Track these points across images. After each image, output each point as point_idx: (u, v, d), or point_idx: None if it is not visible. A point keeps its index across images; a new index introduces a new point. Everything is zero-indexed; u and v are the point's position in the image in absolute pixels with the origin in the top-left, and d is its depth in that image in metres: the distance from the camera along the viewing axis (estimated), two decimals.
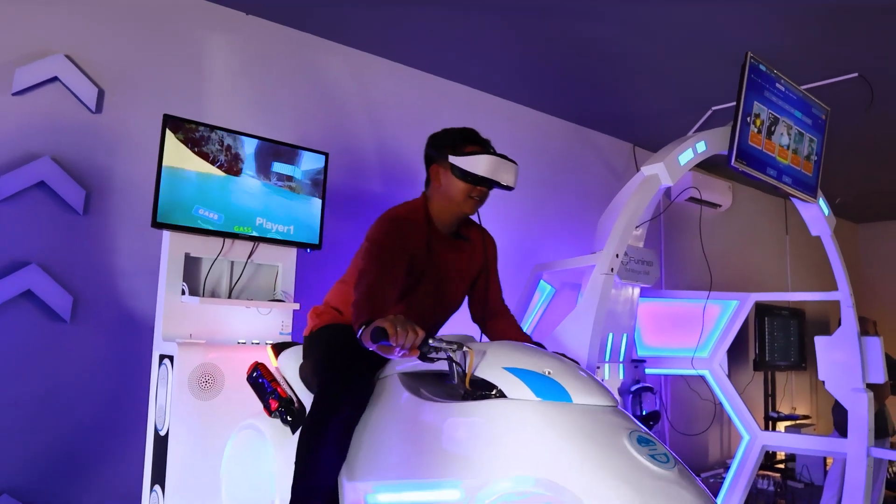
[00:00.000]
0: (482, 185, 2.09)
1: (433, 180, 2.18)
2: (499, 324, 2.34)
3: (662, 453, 1.46)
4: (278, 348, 2.53)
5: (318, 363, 2.18)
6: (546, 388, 1.58)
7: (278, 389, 2.32)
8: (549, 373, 1.62)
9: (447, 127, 2.22)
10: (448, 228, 2.22)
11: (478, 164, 2.04)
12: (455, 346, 1.72)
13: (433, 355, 1.71)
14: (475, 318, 2.40)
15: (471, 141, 2.13)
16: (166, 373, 2.63)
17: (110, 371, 3.05)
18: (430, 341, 1.68)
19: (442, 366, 1.77)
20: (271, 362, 2.51)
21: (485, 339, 2.39)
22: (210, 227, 2.82)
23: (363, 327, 1.67)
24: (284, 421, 2.26)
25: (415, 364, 1.94)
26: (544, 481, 1.44)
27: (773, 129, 3.55)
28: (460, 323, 2.36)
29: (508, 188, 2.12)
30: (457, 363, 1.73)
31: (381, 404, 1.98)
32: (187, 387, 2.57)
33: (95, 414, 3.00)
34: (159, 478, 2.58)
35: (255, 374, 2.40)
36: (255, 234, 2.94)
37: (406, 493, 1.74)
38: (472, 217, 2.26)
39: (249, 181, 2.93)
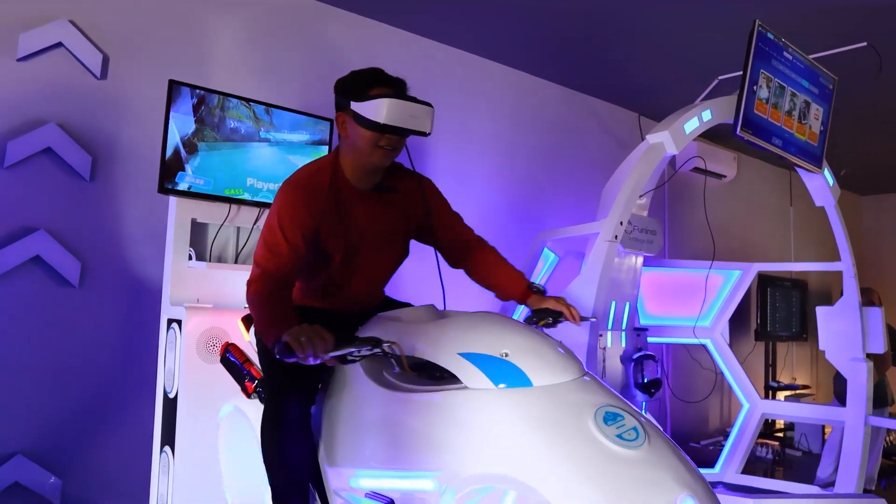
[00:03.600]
0: (390, 133, 1.82)
1: (340, 131, 1.91)
2: (477, 264, 2.17)
3: (631, 428, 1.40)
4: (248, 320, 2.37)
5: (261, 355, 2.03)
6: (503, 373, 1.51)
7: (252, 370, 2.23)
8: (505, 354, 1.53)
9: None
10: (366, 182, 1.95)
11: (381, 110, 1.77)
12: (371, 344, 1.58)
13: (354, 356, 1.57)
14: (453, 265, 2.21)
15: (376, 83, 1.85)
16: (174, 337, 2.66)
17: (119, 335, 3.09)
18: (345, 346, 1.54)
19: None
20: (243, 336, 2.41)
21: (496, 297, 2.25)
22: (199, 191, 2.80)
23: (275, 345, 1.54)
24: (262, 401, 2.13)
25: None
26: (508, 478, 1.40)
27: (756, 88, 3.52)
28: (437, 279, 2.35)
29: (423, 134, 1.84)
30: (389, 354, 1.64)
31: (345, 389, 1.89)
32: (195, 350, 2.61)
33: (105, 377, 3.05)
34: (169, 439, 2.63)
35: (227, 356, 2.30)
36: (246, 196, 2.93)
37: (387, 480, 1.71)
38: (403, 164, 2.05)
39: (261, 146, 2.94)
